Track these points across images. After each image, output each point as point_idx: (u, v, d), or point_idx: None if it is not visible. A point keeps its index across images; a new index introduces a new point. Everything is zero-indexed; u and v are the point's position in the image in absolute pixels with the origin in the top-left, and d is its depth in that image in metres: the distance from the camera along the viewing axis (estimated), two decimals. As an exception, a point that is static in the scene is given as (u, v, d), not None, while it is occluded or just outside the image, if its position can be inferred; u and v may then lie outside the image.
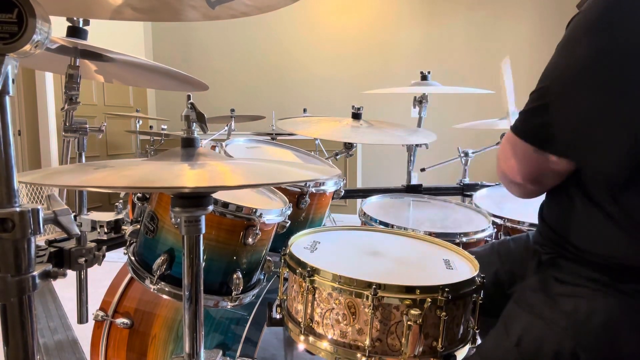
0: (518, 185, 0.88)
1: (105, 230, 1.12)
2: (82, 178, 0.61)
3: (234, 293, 1.00)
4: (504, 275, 1.03)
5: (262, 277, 1.14)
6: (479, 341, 0.89)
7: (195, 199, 0.67)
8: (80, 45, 1.07)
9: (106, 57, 1.17)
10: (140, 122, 3.95)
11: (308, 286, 0.81)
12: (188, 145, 0.73)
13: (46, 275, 0.60)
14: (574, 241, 0.81)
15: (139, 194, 1.04)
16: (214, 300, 1.00)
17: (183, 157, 0.70)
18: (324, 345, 0.81)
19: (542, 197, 0.93)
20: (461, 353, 0.83)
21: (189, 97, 0.76)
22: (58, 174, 0.64)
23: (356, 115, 1.66)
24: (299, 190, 1.23)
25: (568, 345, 0.74)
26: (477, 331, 0.87)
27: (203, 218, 0.70)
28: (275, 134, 3.56)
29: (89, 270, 0.93)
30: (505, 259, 1.06)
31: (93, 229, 1.13)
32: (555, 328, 0.76)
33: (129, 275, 1.29)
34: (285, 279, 0.94)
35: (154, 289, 0.97)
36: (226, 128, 3.37)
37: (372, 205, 1.57)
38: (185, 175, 0.63)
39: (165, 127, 3.89)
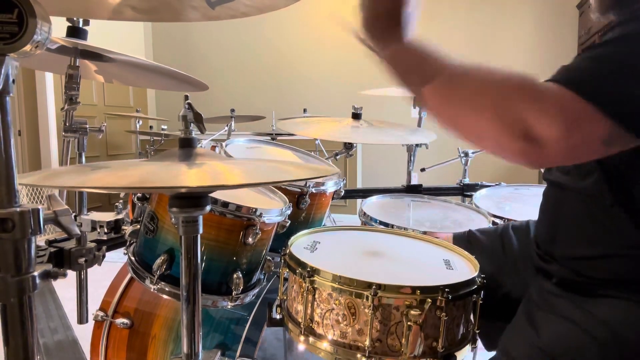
0: None
1: (105, 230, 1.12)
2: (81, 179, 0.61)
3: (234, 293, 1.00)
4: (506, 272, 1.01)
5: (262, 277, 1.14)
6: (479, 341, 0.89)
7: (193, 199, 0.67)
8: (80, 45, 1.07)
9: (106, 57, 1.17)
10: (140, 122, 3.95)
11: (308, 286, 0.81)
12: (186, 146, 0.73)
13: (46, 276, 0.60)
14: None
15: (138, 194, 1.04)
16: (214, 299, 1.00)
17: (181, 157, 0.70)
18: (324, 345, 0.81)
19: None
20: (461, 353, 0.83)
21: (186, 98, 0.76)
22: (58, 174, 0.64)
23: (356, 115, 1.66)
24: (299, 190, 1.23)
25: (613, 353, 0.70)
26: (477, 332, 0.87)
27: (201, 218, 0.70)
28: (275, 134, 3.56)
29: (89, 270, 0.93)
30: (508, 251, 1.04)
31: (93, 229, 1.13)
32: (594, 339, 0.71)
33: (129, 275, 1.29)
34: (285, 279, 0.94)
35: (154, 288, 0.97)
36: (226, 128, 3.37)
37: (372, 205, 1.57)
38: (184, 175, 0.63)
39: (165, 127, 3.89)
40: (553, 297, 0.80)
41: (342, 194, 1.46)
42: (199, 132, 0.76)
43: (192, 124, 0.74)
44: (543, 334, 0.77)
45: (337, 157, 1.86)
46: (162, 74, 1.26)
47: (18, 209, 0.53)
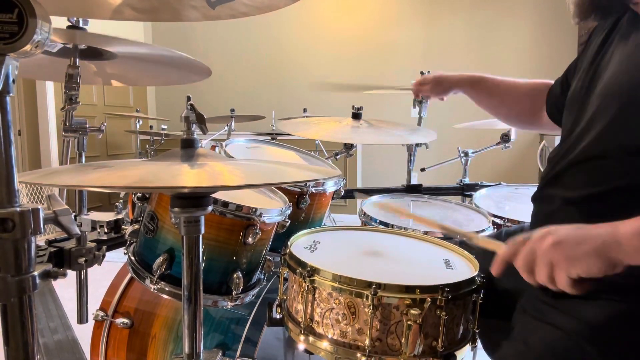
0: None
1: (105, 230, 1.12)
2: (81, 178, 0.61)
3: (234, 292, 1.00)
4: (501, 276, 1.00)
5: (262, 277, 1.14)
6: (478, 341, 0.88)
7: (195, 199, 0.67)
8: (78, 37, 1.05)
9: (106, 54, 1.16)
10: (140, 122, 3.95)
11: (308, 286, 0.81)
12: (187, 146, 0.73)
13: (46, 275, 0.60)
14: None
15: (139, 194, 1.04)
16: (214, 299, 1.00)
17: (182, 157, 0.70)
18: (324, 345, 0.81)
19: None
20: (461, 353, 0.83)
21: (188, 98, 0.76)
22: (57, 173, 0.64)
23: (356, 115, 1.66)
24: (299, 190, 1.23)
25: (595, 357, 0.70)
26: (477, 331, 0.87)
27: (202, 218, 0.70)
28: (275, 134, 3.56)
29: (89, 270, 0.93)
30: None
31: (93, 229, 1.13)
32: (577, 339, 0.72)
33: (129, 275, 1.29)
34: (285, 279, 0.94)
35: (154, 288, 0.97)
36: (226, 128, 3.37)
37: (372, 205, 1.57)
38: (184, 176, 0.63)
39: (165, 127, 3.88)
40: (546, 307, 0.80)
41: (342, 193, 1.46)
42: (201, 133, 0.76)
43: (194, 125, 0.74)
44: (531, 344, 0.77)
45: (337, 157, 1.86)
46: (163, 64, 1.23)
47: (18, 209, 0.53)
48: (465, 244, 1.02)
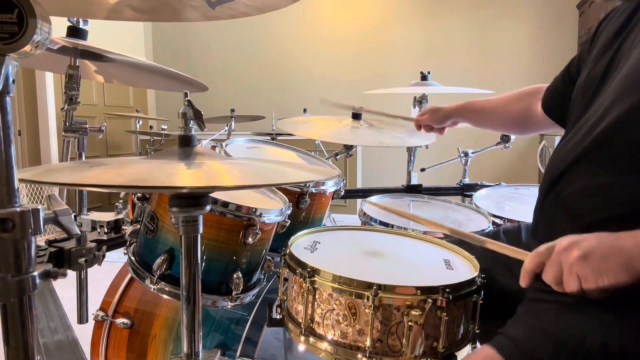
0: None
1: (105, 230, 1.12)
2: (78, 175, 0.61)
3: (234, 293, 1.00)
4: (500, 276, 1.00)
5: (262, 277, 1.14)
6: (479, 343, 0.88)
7: (193, 198, 0.67)
8: (80, 46, 1.07)
9: (106, 57, 1.17)
10: (140, 122, 3.95)
11: (308, 287, 0.81)
12: (185, 144, 0.73)
13: (46, 275, 0.59)
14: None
15: (138, 194, 1.04)
16: (214, 299, 1.00)
17: (180, 156, 0.70)
18: (324, 345, 0.81)
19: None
20: (462, 353, 0.83)
21: (186, 95, 0.76)
22: (54, 171, 0.64)
23: (356, 116, 1.66)
24: (299, 190, 1.23)
25: (615, 339, 0.67)
26: (477, 332, 0.87)
27: (201, 218, 0.70)
28: (275, 134, 3.56)
29: (89, 270, 0.93)
30: (498, 253, 1.03)
31: (93, 229, 1.13)
32: (598, 321, 0.69)
33: (129, 275, 1.29)
34: (285, 279, 0.94)
35: (154, 288, 0.97)
36: (226, 128, 3.37)
37: (372, 205, 1.56)
38: (181, 175, 0.63)
39: (165, 127, 3.89)
40: (546, 294, 0.77)
41: (342, 194, 1.46)
42: (199, 130, 0.75)
43: (191, 121, 0.74)
44: (544, 319, 0.74)
45: (337, 157, 1.86)
46: (162, 75, 1.25)
47: (18, 209, 0.53)
48: (466, 244, 1.02)
